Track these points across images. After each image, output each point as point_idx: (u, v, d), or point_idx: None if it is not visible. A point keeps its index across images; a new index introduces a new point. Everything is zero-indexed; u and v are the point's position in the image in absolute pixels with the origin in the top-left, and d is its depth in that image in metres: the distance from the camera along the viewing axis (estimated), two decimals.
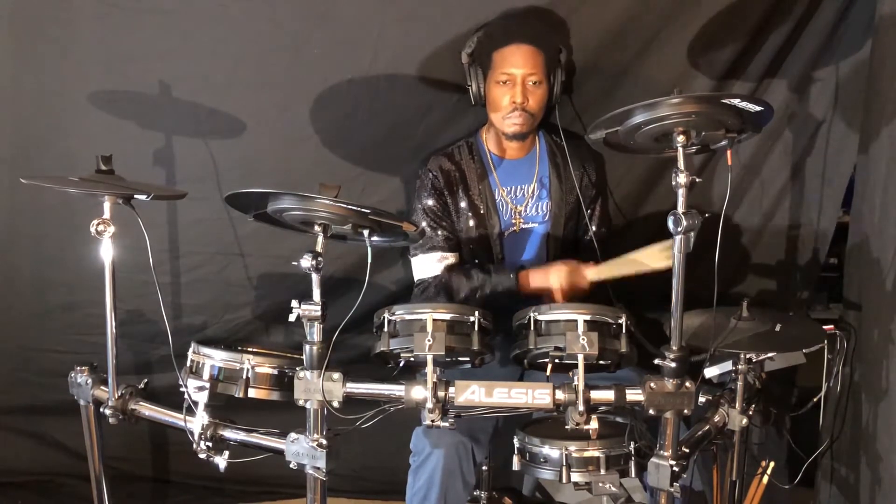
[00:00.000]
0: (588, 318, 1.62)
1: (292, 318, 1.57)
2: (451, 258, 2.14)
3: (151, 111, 2.22)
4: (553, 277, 2.00)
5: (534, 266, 2.09)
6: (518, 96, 2.04)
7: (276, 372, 1.79)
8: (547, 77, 2.08)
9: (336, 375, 1.60)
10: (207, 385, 1.75)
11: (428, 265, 2.13)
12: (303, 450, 1.64)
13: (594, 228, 2.22)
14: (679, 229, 1.47)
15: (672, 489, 1.57)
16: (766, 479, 1.99)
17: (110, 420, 1.87)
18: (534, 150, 2.21)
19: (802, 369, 2.05)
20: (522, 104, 2.04)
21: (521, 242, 2.19)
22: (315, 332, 1.59)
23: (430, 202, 2.15)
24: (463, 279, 2.07)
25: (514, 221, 2.18)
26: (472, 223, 2.15)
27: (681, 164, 1.49)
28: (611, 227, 2.33)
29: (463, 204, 2.15)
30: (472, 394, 1.59)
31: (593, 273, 1.99)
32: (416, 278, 2.16)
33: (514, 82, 2.04)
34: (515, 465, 1.72)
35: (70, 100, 2.20)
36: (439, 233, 2.14)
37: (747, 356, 1.75)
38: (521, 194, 2.19)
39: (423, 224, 2.13)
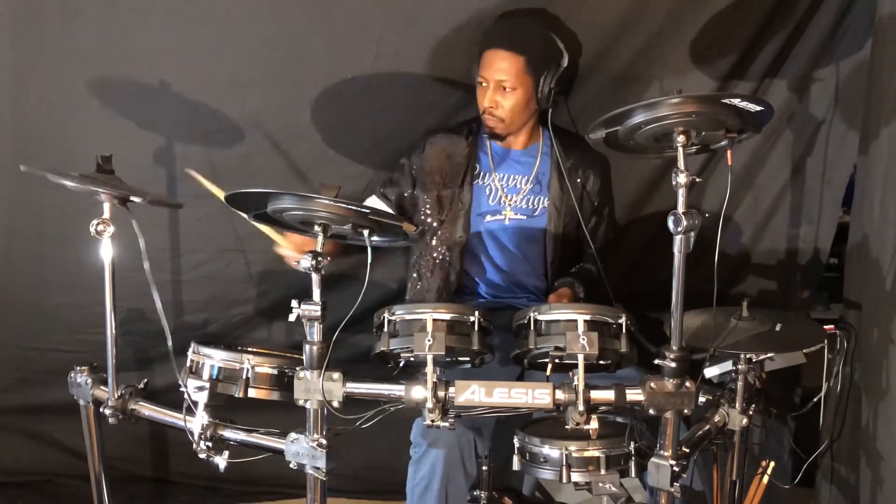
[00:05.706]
0: (588, 318, 1.61)
1: (292, 318, 1.57)
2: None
3: (152, 110, 2.23)
4: None
5: (519, 259, 2.14)
6: (486, 101, 2.06)
7: (276, 372, 1.78)
8: (525, 82, 2.05)
9: (336, 375, 1.60)
10: (207, 385, 1.75)
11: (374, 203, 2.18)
12: (303, 450, 1.64)
13: (601, 235, 2.26)
14: (679, 229, 1.47)
15: (672, 489, 1.57)
16: (766, 479, 1.99)
17: (110, 420, 1.87)
18: (535, 145, 2.21)
19: (804, 369, 2.05)
20: (490, 108, 2.07)
21: (513, 234, 2.19)
22: (315, 332, 1.59)
23: (405, 164, 2.20)
24: None
25: (504, 213, 2.18)
26: (444, 202, 2.17)
27: (681, 164, 1.49)
28: (616, 231, 2.34)
29: (443, 185, 2.17)
30: (472, 394, 1.59)
31: None
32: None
33: (486, 86, 2.06)
34: (515, 465, 1.72)
35: (71, 99, 2.20)
36: (392, 189, 2.21)
37: (747, 356, 1.75)
38: (515, 184, 2.19)
39: (395, 172, 2.22)
